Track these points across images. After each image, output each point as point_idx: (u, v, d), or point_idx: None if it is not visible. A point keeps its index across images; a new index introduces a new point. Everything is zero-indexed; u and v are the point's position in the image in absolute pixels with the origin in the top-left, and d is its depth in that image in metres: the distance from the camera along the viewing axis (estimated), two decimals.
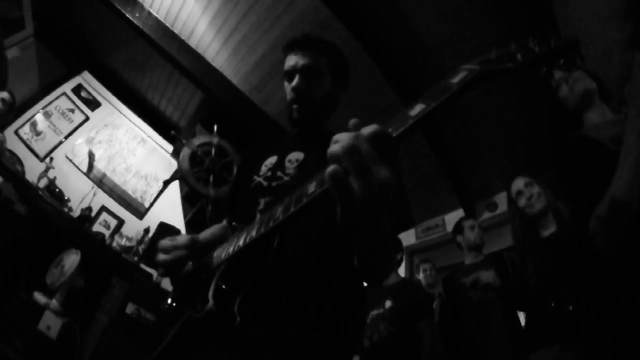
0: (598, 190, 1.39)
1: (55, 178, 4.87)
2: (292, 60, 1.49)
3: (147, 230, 5.45)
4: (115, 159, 5.83)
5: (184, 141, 4.44)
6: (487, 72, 0.76)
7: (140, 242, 5.32)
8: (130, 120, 6.19)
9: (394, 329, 3.43)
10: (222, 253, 1.21)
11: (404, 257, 4.52)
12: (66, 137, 5.44)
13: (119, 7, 4.50)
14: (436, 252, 5.58)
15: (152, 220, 5.69)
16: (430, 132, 4.84)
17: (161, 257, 1.30)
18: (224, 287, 1.14)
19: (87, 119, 5.73)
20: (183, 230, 5.52)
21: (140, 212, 5.78)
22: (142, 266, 5.01)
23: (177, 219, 5.63)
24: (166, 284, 4.39)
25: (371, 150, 0.64)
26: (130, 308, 4.24)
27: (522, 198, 2.79)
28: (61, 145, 5.36)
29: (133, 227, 5.55)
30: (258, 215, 1.10)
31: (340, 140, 0.66)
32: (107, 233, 5.24)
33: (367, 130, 0.67)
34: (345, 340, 1.24)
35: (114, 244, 5.12)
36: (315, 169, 0.79)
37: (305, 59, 1.46)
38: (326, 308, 1.19)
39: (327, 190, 0.73)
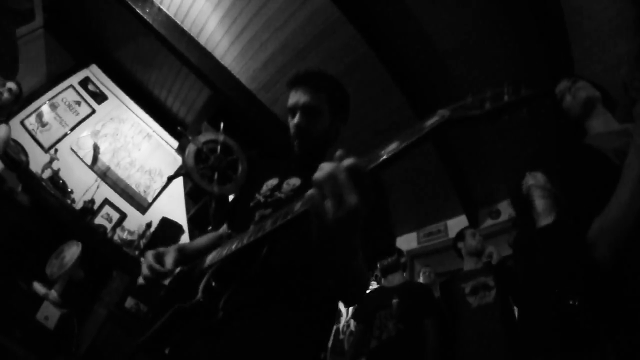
0: (598, 202, 1.41)
1: (59, 169, 4.89)
2: (294, 98, 1.60)
3: (149, 225, 5.47)
4: (120, 152, 5.84)
5: (189, 138, 4.44)
6: (455, 119, 0.83)
7: (141, 236, 5.34)
8: (137, 115, 6.21)
9: (403, 326, 3.47)
10: (216, 255, 1.35)
11: (406, 262, 4.53)
12: (72, 129, 5.46)
13: (129, 2, 4.49)
14: (437, 257, 5.57)
15: (154, 215, 5.70)
16: (437, 138, 4.82)
17: (150, 267, 1.43)
18: (213, 284, 1.26)
19: (93, 112, 5.76)
20: (185, 226, 5.53)
21: (142, 206, 5.79)
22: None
23: (179, 215, 5.63)
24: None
25: (346, 180, 0.75)
26: (129, 302, 4.25)
27: (523, 184, 2.86)
28: (66, 137, 5.38)
29: (135, 221, 5.57)
30: (251, 226, 1.23)
31: (323, 169, 0.78)
32: (109, 226, 5.25)
33: (346, 162, 0.77)
34: (315, 346, 1.39)
35: (116, 237, 5.14)
36: None
37: (306, 97, 1.57)
38: (303, 315, 1.33)
39: (307, 209, 0.86)
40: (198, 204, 5.30)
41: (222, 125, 4.53)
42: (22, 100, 4.46)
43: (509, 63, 4.06)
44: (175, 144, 6.29)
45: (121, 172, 5.75)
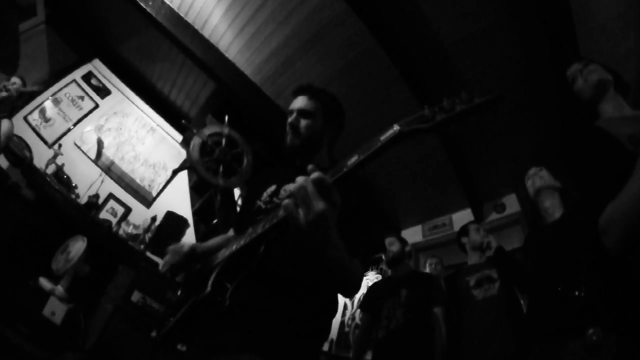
0: (611, 188, 1.40)
1: (63, 165, 4.89)
2: (293, 103, 1.83)
3: (154, 219, 5.47)
4: (124, 146, 5.84)
5: (194, 131, 4.43)
6: (405, 132, 1.00)
7: (147, 230, 5.35)
8: (140, 109, 6.20)
9: (411, 315, 3.49)
10: (223, 254, 1.51)
11: (411, 252, 4.52)
12: (75, 124, 5.45)
13: None
14: (442, 251, 5.55)
15: (159, 209, 5.72)
16: (443, 132, 4.80)
17: (167, 258, 1.69)
18: (221, 278, 1.42)
19: (96, 106, 5.75)
20: (190, 219, 5.53)
21: (147, 200, 5.80)
22: (148, 254, 5.03)
23: (184, 209, 5.65)
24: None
25: (313, 190, 0.98)
26: (135, 296, 4.25)
27: (529, 180, 2.85)
28: (70, 132, 5.37)
29: (140, 215, 5.56)
30: (250, 229, 1.38)
31: (296, 181, 1.00)
32: (113, 220, 5.25)
33: (313, 175, 0.98)
34: (315, 337, 1.51)
35: (121, 232, 5.15)
36: None
37: (302, 103, 1.80)
38: (303, 307, 1.45)
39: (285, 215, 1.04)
40: (203, 197, 5.30)
41: (226, 118, 4.52)
42: (25, 96, 4.46)
43: (515, 56, 4.04)
44: (179, 137, 6.29)
45: (125, 166, 5.75)
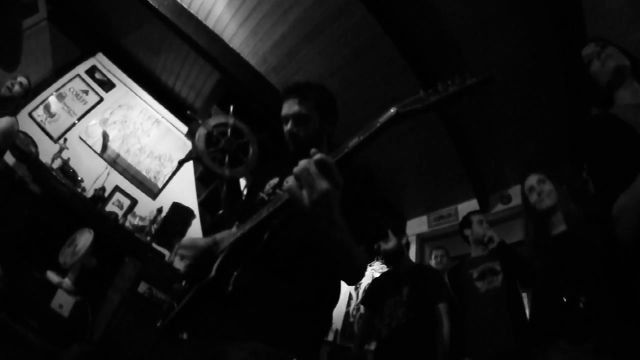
0: (625, 176, 1.39)
1: (69, 159, 4.92)
2: (285, 109, 1.80)
3: (160, 210, 5.50)
4: (130, 139, 5.87)
5: (199, 121, 4.43)
6: (401, 114, 1.05)
7: (153, 221, 5.38)
8: (145, 101, 6.23)
9: (413, 314, 3.46)
10: (227, 241, 1.53)
11: (409, 242, 4.51)
12: (80, 119, 5.49)
13: None
14: (447, 241, 5.54)
15: (165, 200, 5.74)
16: (449, 122, 4.79)
17: (180, 254, 1.65)
18: (226, 264, 1.46)
19: (101, 100, 5.78)
20: (196, 210, 5.56)
21: (153, 192, 5.84)
22: (155, 246, 5.06)
23: (190, 200, 5.68)
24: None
25: (316, 170, 1.00)
26: (142, 287, 4.29)
27: (533, 194, 2.80)
28: (75, 127, 5.41)
29: (146, 207, 5.60)
30: (254, 215, 1.40)
31: (299, 164, 1.02)
32: (120, 213, 5.30)
33: (315, 156, 1.01)
34: (318, 324, 1.54)
35: (127, 224, 5.18)
36: None
37: (295, 107, 1.76)
38: (306, 294, 1.48)
39: (289, 197, 1.08)
40: (209, 187, 5.33)
41: (231, 108, 4.52)
42: (29, 93, 4.49)
43: (523, 45, 3.99)
44: (184, 129, 6.31)
45: (131, 159, 5.79)
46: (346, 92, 4.66)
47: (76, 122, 5.43)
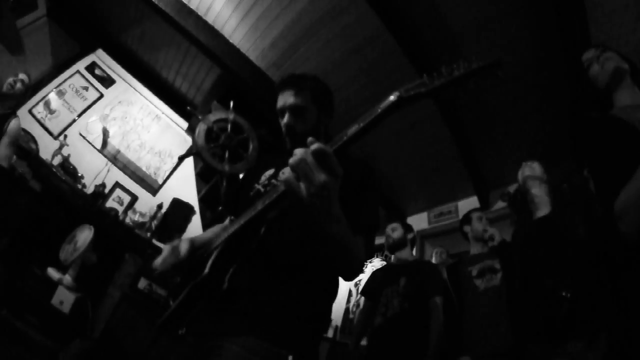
0: (625, 172, 1.40)
1: (69, 155, 4.94)
2: (281, 100, 1.76)
3: (160, 206, 5.51)
4: (130, 135, 5.87)
5: (199, 117, 4.43)
6: (405, 98, 1.01)
7: (153, 218, 5.39)
8: (145, 97, 6.23)
9: (408, 304, 3.52)
10: (222, 237, 1.47)
11: (416, 240, 4.53)
12: (80, 115, 5.49)
13: None
14: (447, 238, 5.56)
15: (165, 196, 5.76)
16: (450, 118, 4.79)
17: (165, 255, 1.57)
18: (220, 261, 1.42)
19: (101, 96, 5.78)
20: (196, 206, 5.57)
21: (153, 188, 5.84)
22: (155, 242, 5.08)
23: (190, 196, 5.70)
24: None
25: (313, 161, 0.95)
26: (142, 283, 4.31)
27: (520, 170, 2.98)
28: (75, 123, 5.41)
29: (146, 203, 5.61)
30: (249, 209, 1.35)
31: (296, 154, 0.97)
32: (120, 209, 5.30)
33: (313, 146, 0.96)
34: (315, 320, 1.48)
35: (127, 220, 5.19)
36: None
37: (291, 98, 1.72)
38: (302, 290, 1.43)
39: (286, 190, 1.04)
40: (209, 183, 5.33)
41: (232, 104, 4.51)
42: (30, 90, 4.49)
43: (525, 41, 3.98)
44: (185, 125, 6.31)
45: (131, 155, 5.79)
46: (347, 87, 4.67)
47: (76, 118, 5.43)
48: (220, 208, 4.88)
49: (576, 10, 3.45)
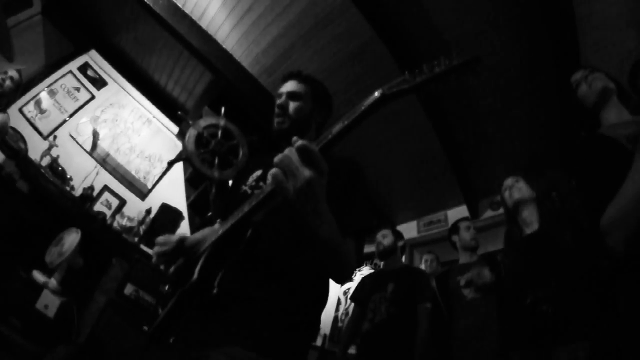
0: (611, 187, 1.42)
1: (58, 156, 4.87)
2: (283, 87, 1.83)
3: (148, 211, 5.47)
4: (120, 138, 5.81)
5: (190, 122, 4.41)
6: (388, 95, 1.04)
7: (141, 222, 5.34)
8: (136, 100, 6.18)
9: (395, 310, 3.53)
10: (210, 240, 1.45)
11: (405, 248, 4.53)
12: (71, 116, 5.42)
13: None
14: (437, 247, 5.56)
15: (154, 201, 5.71)
16: (440, 128, 4.81)
17: (156, 249, 1.57)
18: (209, 265, 1.39)
19: (92, 97, 5.71)
20: (185, 212, 5.53)
21: (142, 192, 5.78)
22: (143, 247, 5.03)
23: (179, 201, 5.64)
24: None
25: (298, 157, 0.97)
26: (129, 289, 4.27)
27: (506, 192, 3.00)
28: (65, 124, 5.34)
29: (135, 207, 5.55)
30: (236, 211, 1.33)
31: (282, 152, 0.99)
32: (108, 213, 5.23)
33: (297, 143, 0.97)
34: (304, 328, 1.47)
35: (115, 224, 5.14)
36: None
37: (292, 86, 1.80)
38: (291, 298, 1.41)
39: (274, 188, 1.04)
40: (198, 189, 5.30)
41: (223, 109, 4.50)
42: (21, 88, 4.44)
43: (515, 51, 4.03)
44: (176, 129, 6.28)
45: (121, 158, 5.73)
46: (339, 95, 4.66)
47: (67, 119, 5.36)
48: (209, 214, 4.85)
49: (566, 19, 3.51)
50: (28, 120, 4.99)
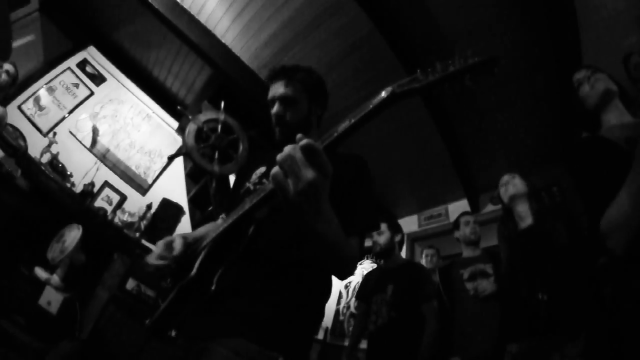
0: (611, 189, 1.42)
1: (58, 153, 4.86)
2: (272, 91, 1.75)
3: (149, 206, 5.47)
4: (120, 134, 5.81)
5: (190, 117, 4.41)
6: (398, 93, 0.99)
7: (142, 218, 5.34)
8: (136, 96, 6.17)
9: (396, 314, 3.50)
10: (210, 236, 1.45)
11: (404, 240, 4.51)
12: (70, 112, 5.41)
13: None
14: (438, 241, 5.58)
15: (154, 196, 5.72)
16: (441, 122, 4.80)
17: (159, 252, 1.53)
18: (208, 261, 1.41)
19: (91, 94, 5.70)
20: (186, 207, 5.53)
21: (143, 188, 5.79)
22: (144, 242, 5.03)
23: (179, 196, 5.65)
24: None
25: (302, 157, 0.90)
26: (130, 284, 4.28)
27: (502, 187, 3.06)
28: (65, 120, 5.33)
29: (135, 202, 5.56)
30: (238, 208, 1.32)
31: (284, 150, 0.93)
32: (109, 208, 5.24)
33: (301, 142, 0.91)
34: (307, 321, 1.46)
35: (116, 220, 5.14)
36: None
37: (282, 89, 1.72)
38: (294, 290, 1.41)
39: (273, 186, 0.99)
40: (198, 184, 5.30)
41: (222, 104, 4.50)
42: (18, 84, 4.43)
43: (516, 46, 4.01)
44: (175, 124, 6.26)
45: (121, 154, 5.73)
46: (339, 89, 4.66)
47: (66, 115, 5.35)
48: (209, 209, 4.86)
49: (568, 16, 3.49)
50: (27, 117, 4.99)
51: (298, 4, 4.24)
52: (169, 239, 1.56)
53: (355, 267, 1.39)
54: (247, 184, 1.74)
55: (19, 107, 4.95)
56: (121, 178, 5.62)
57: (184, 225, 5.44)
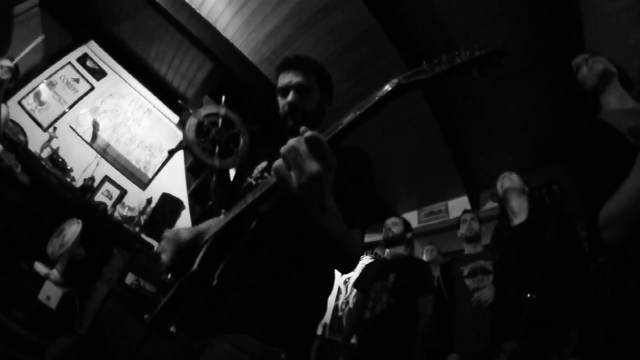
0: (612, 182, 1.42)
1: (58, 148, 4.88)
2: (286, 79, 1.69)
3: (149, 201, 5.48)
4: (120, 128, 5.81)
5: (190, 111, 4.40)
6: (404, 85, 0.97)
7: (142, 212, 5.35)
8: (136, 90, 6.17)
9: (395, 301, 3.54)
10: (212, 231, 1.44)
11: (412, 241, 4.54)
12: (70, 107, 5.42)
13: None
14: (438, 237, 5.59)
15: (155, 190, 5.72)
16: (442, 118, 4.80)
17: (164, 246, 1.51)
18: (210, 256, 1.39)
19: (92, 88, 5.71)
20: (186, 201, 5.54)
21: (143, 182, 5.80)
22: (144, 236, 5.05)
23: (180, 190, 5.66)
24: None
25: (306, 149, 0.88)
26: (130, 278, 4.29)
27: (499, 182, 3.09)
28: (65, 115, 5.34)
29: (136, 197, 5.57)
30: (240, 202, 1.31)
31: (288, 142, 0.91)
32: (109, 203, 5.25)
33: (306, 134, 0.88)
34: (308, 316, 1.44)
35: (116, 214, 5.15)
36: None
37: (298, 77, 1.66)
38: (295, 285, 1.39)
39: (276, 179, 0.97)
40: (199, 178, 5.30)
41: (223, 98, 4.49)
42: (19, 79, 4.41)
43: (519, 42, 4.00)
44: (176, 119, 6.26)
45: (121, 148, 5.74)
46: (340, 84, 4.65)
47: (66, 110, 5.36)
48: (210, 203, 4.86)
49: (571, 13, 3.47)
50: (28, 112, 4.99)
51: None
52: (173, 231, 1.55)
53: (358, 261, 1.38)
54: (249, 179, 1.71)
55: (20, 102, 4.96)
56: (121, 172, 5.63)
57: (184, 220, 5.45)
